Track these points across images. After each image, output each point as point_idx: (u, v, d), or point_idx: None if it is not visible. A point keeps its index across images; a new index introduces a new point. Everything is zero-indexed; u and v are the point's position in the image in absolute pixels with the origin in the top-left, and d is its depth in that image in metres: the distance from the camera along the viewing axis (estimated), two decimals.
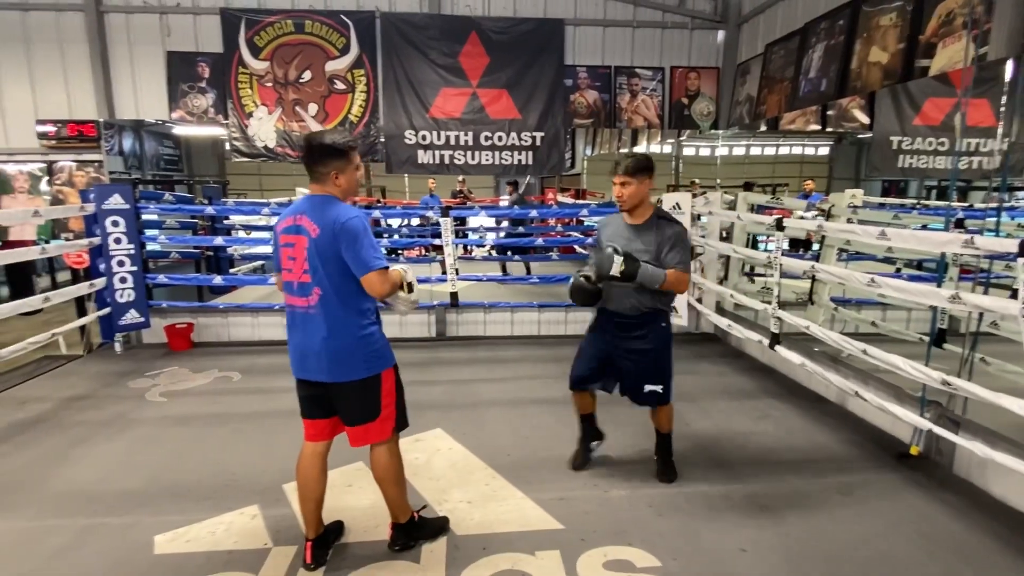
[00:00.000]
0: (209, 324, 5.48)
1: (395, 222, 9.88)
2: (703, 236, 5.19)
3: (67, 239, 5.77)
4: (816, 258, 4.61)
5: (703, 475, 2.92)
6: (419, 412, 3.57)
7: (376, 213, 6.67)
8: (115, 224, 4.90)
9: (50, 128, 5.83)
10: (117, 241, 4.94)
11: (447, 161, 6.43)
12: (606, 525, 2.49)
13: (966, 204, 5.00)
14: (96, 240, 4.90)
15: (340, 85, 6.09)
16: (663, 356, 2.74)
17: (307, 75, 6.03)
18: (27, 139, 5.85)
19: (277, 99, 6.03)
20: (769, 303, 3.80)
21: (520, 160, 6.50)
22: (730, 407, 3.83)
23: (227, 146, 6.19)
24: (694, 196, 5.07)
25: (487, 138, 6.39)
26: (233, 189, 13.45)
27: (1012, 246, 2.11)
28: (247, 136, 6.07)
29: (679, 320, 5.02)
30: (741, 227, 5.21)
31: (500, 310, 5.66)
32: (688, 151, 10.00)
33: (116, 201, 4.89)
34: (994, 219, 2.99)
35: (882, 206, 6.29)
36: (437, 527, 2.43)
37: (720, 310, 5.16)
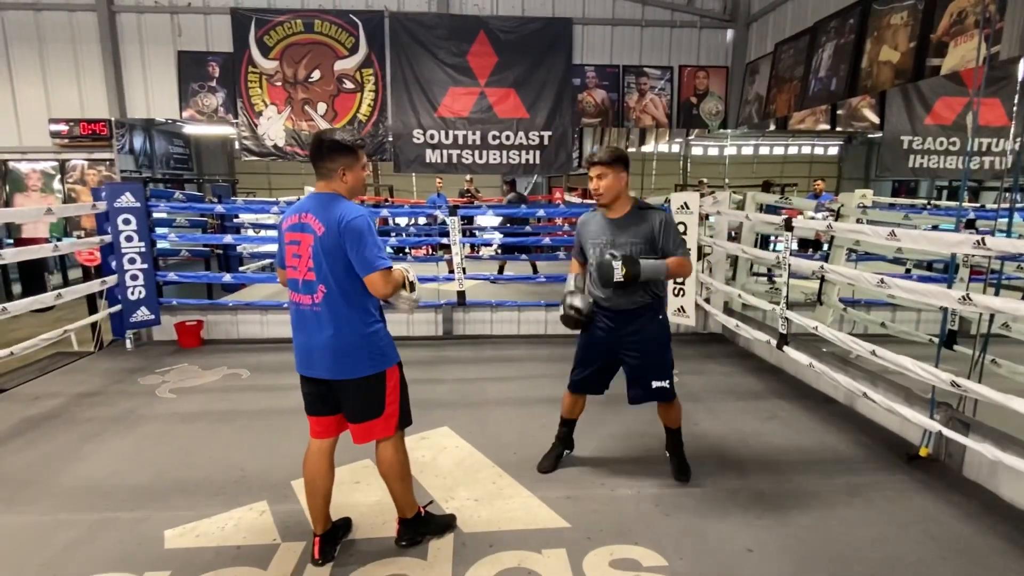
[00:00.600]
0: (218, 321, 5.52)
1: (403, 221, 9.92)
2: (711, 236, 5.18)
3: (79, 237, 5.84)
4: (825, 258, 4.59)
5: (710, 475, 2.92)
6: (426, 410, 3.59)
7: (384, 212, 6.70)
8: (126, 222, 4.96)
9: (63, 127, 5.90)
10: (128, 239, 4.99)
11: (455, 160, 6.44)
12: (613, 524, 2.49)
13: (977, 204, 4.96)
14: (107, 238, 4.95)
15: (349, 84, 6.12)
16: (665, 348, 2.73)
17: (316, 74, 6.06)
18: (40, 138, 5.92)
19: (286, 98, 6.07)
20: (777, 303, 3.79)
21: (528, 159, 6.51)
22: (737, 407, 3.82)
23: (236, 145, 6.23)
24: (702, 196, 5.06)
25: (495, 137, 6.40)
26: (242, 188, 13.54)
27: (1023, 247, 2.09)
28: (256, 135, 6.11)
29: (687, 320, 5.01)
30: (750, 227, 5.19)
31: (507, 309, 5.67)
32: (696, 150, 9.96)
33: (127, 199, 4.94)
34: (1006, 220, 2.97)
35: (892, 206, 6.25)
36: (443, 524, 2.45)
37: (728, 310, 5.14)
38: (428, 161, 6.41)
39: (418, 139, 6.32)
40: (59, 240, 5.74)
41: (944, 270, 4.75)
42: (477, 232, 9.84)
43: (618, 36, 6.47)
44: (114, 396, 4.05)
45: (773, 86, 5.86)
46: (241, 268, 8.03)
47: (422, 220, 9.86)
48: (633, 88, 6.55)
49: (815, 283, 4.62)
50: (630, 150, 9.80)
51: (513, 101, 6.33)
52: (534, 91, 6.34)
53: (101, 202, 4.92)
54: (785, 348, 3.75)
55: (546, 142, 6.46)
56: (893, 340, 4.19)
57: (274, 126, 6.09)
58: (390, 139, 6.32)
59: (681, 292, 4.99)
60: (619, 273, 2.46)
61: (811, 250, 6.84)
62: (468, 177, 10.10)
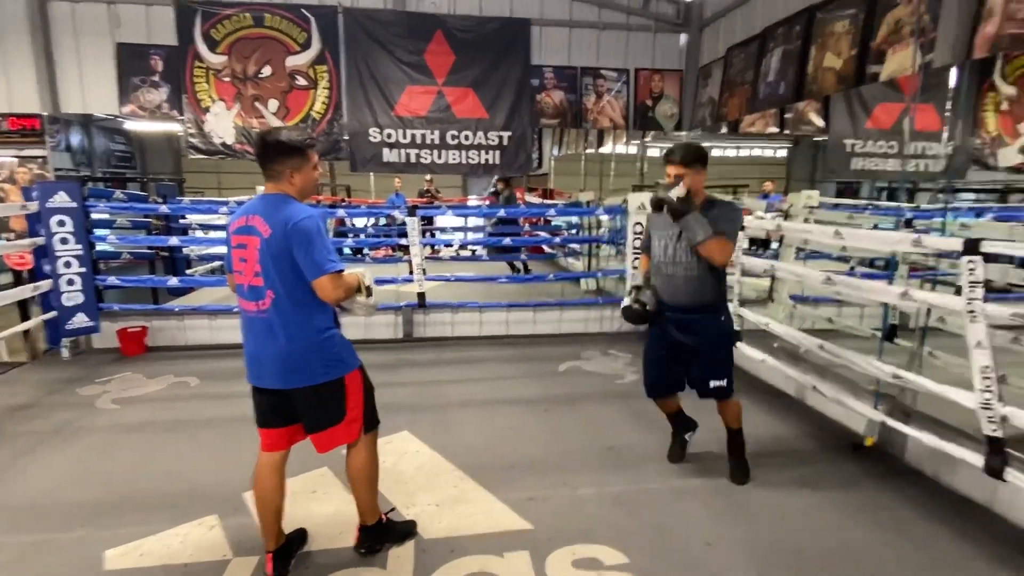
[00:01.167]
0: (164, 327, 5.27)
1: (360, 222, 9.73)
2: None
3: (8, 239, 5.46)
4: (775, 257, 4.74)
5: (670, 471, 2.97)
6: (386, 415, 3.49)
7: (341, 212, 6.55)
8: (61, 224, 4.66)
9: None
10: (63, 241, 4.70)
11: (413, 160, 6.36)
12: (575, 524, 2.49)
13: (914, 205, 5.23)
14: (40, 240, 4.65)
15: (302, 81, 5.95)
16: (724, 349, 2.73)
17: (267, 70, 5.87)
18: None
19: (236, 94, 5.85)
20: (731, 301, 3.89)
21: (487, 159, 6.49)
22: (695, 404, 3.86)
23: (183, 143, 5.96)
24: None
25: (454, 137, 6.36)
26: (190, 187, 13.00)
27: (957, 245, 2.21)
28: (204, 132, 5.87)
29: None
30: None
31: (468, 310, 5.63)
32: (653, 152, 10.16)
33: (62, 199, 4.65)
34: (940, 219, 3.14)
35: (836, 207, 6.52)
36: (405, 531, 2.39)
37: None
38: (385, 160, 6.30)
39: (375, 138, 6.21)
40: None
41: (885, 267, 4.99)
42: (438, 232, 9.77)
43: (576, 38, 6.53)
44: (50, 408, 3.80)
45: (725, 90, 6.04)
46: (188, 271, 7.69)
47: (381, 221, 9.70)
48: (591, 90, 6.62)
49: (766, 281, 4.77)
50: (588, 151, 9.92)
51: (472, 101, 6.30)
52: (493, 91, 6.32)
53: (32, 202, 4.61)
54: (740, 344, 3.86)
55: (505, 142, 6.45)
56: (839, 335, 4.36)
57: (222, 123, 5.86)
58: (346, 138, 6.18)
59: None
60: (677, 191, 2.39)
61: (759, 249, 7.07)
62: (428, 177, 10.01)
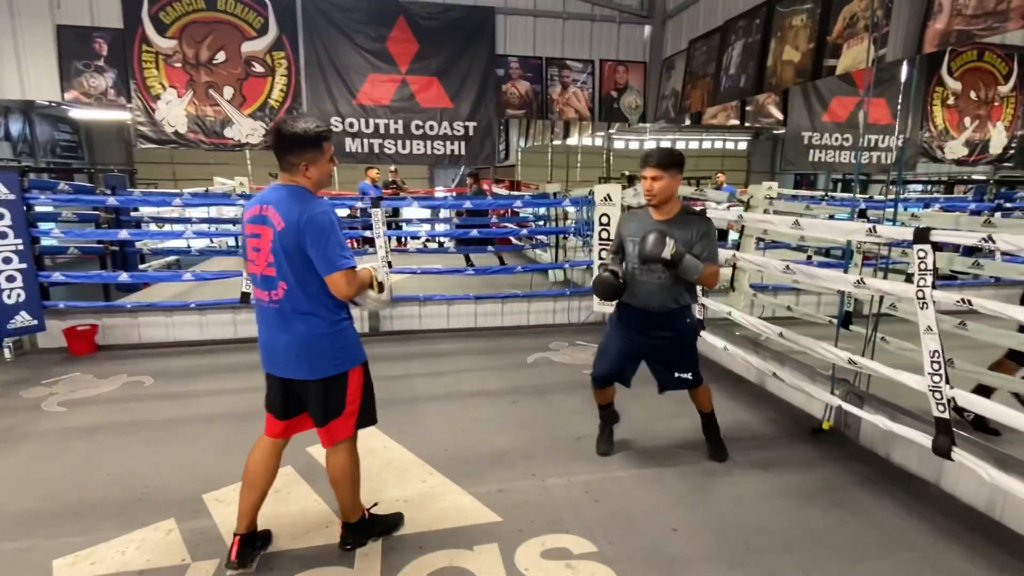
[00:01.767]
0: (116, 325, 5.04)
1: None
2: None
3: None
4: (736, 247, 4.85)
5: (636, 459, 3.01)
6: None
7: None
8: None
9: None
10: (2, 236, 4.43)
11: (376, 150, 6.23)
12: (543, 514, 2.50)
13: (867, 196, 5.42)
14: None
15: (258, 68, 5.74)
16: (691, 347, 2.83)
17: (221, 56, 5.63)
18: None
19: (188, 81, 5.61)
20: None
21: (452, 150, 6.41)
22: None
23: (132, 132, 5.69)
24: (624, 188, 5.19)
25: (418, 127, 6.25)
26: (142, 179, 12.47)
27: (908, 234, 2.29)
28: (154, 121, 5.61)
29: (611, 309, 5.14)
30: None
31: (435, 303, 5.58)
32: (618, 144, 10.25)
33: (0, 191, 4.38)
34: (892, 209, 3.25)
35: (795, 197, 6.71)
36: (390, 523, 2.38)
37: None
38: (348, 151, 6.15)
39: (336, 127, 6.05)
40: None
41: (841, 256, 5.16)
42: (404, 224, 9.64)
43: (540, 28, 6.49)
44: None
45: (688, 82, 6.11)
46: (142, 266, 7.39)
47: (343, 212, 9.49)
48: (556, 80, 6.60)
49: (727, 271, 4.87)
50: (555, 143, 9.92)
51: (436, 90, 6.21)
52: (457, 80, 6.24)
53: None
54: (702, 333, 3.93)
55: (471, 133, 6.38)
56: (798, 322, 4.50)
57: (174, 111, 5.60)
58: None
59: None
60: (669, 249, 2.44)
61: (720, 240, 7.22)
62: (393, 168, 9.83)
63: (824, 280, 2.94)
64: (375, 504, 2.46)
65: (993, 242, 2.10)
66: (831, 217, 5.45)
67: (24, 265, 4.54)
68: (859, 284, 2.62)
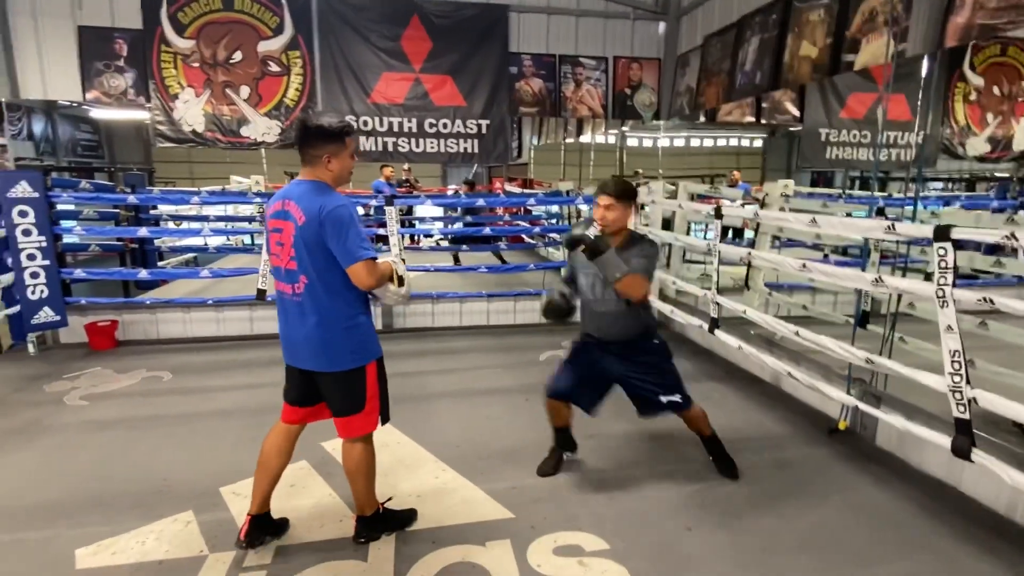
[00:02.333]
0: (136, 321, 5.13)
1: None
2: (646, 224, 5.30)
3: None
4: (752, 245, 4.80)
5: (650, 458, 3.00)
6: None
7: None
8: (22, 214, 4.49)
9: None
10: (26, 233, 4.53)
11: (390, 148, 6.26)
12: (556, 512, 2.51)
13: (886, 193, 5.34)
14: (1, 232, 4.48)
15: (274, 67, 5.80)
16: (666, 367, 2.71)
17: (238, 55, 5.69)
18: None
19: (205, 80, 5.67)
20: (708, 289, 3.93)
21: (466, 148, 6.42)
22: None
23: (151, 131, 5.77)
24: (637, 186, 5.16)
25: (431, 125, 6.27)
26: (161, 177, 12.66)
27: (928, 232, 2.25)
28: (172, 120, 5.69)
29: None
30: (682, 216, 5.35)
31: (448, 301, 5.60)
32: (632, 141, 10.18)
33: (23, 189, 4.48)
34: (911, 207, 3.20)
35: (811, 195, 6.63)
36: (405, 518, 2.41)
37: (663, 296, 5.29)
38: (362, 149, 6.18)
39: None
40: None
41: (858, 255, 5.09)
42: (417, 222, 9.68)
43: (554, 25, 6.47)
44: (15, 406, 3.68)
45: (702, 79, 6.05)
46: (161, 263, 7.51)
47: (360, 211, 9.54)
48: (569, 78, 6.58)
49: (743, 269, 4.83)
50: (568, 140, 9.90)
51: (450, 88, 6.22)
52: (471, 78, 6.24)
53: None
54: (716, 332, 3.90)
55: (484, 131, 6.39)
56: (814, 321, 4.45)
57: (192, 110, 5.68)
58: None
59: None
60: (594, 231, 2.39)
61: (735, 237, 7.16)
62: (406, 166, 9.87)
63: (841, 278, 2.90)
64: (390, 499, 2.49)
65: (1016, 240, 2.06)
66: (848, 215, 5.38)
67: (47, 262, 4.64)
68: (877, 283, 2.59)
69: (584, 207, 6.38)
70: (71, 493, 2.66)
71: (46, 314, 4.70)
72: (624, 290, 2.43)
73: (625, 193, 2.53)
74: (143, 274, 5.47)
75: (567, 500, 2.60)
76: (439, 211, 10.82)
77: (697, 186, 6.39)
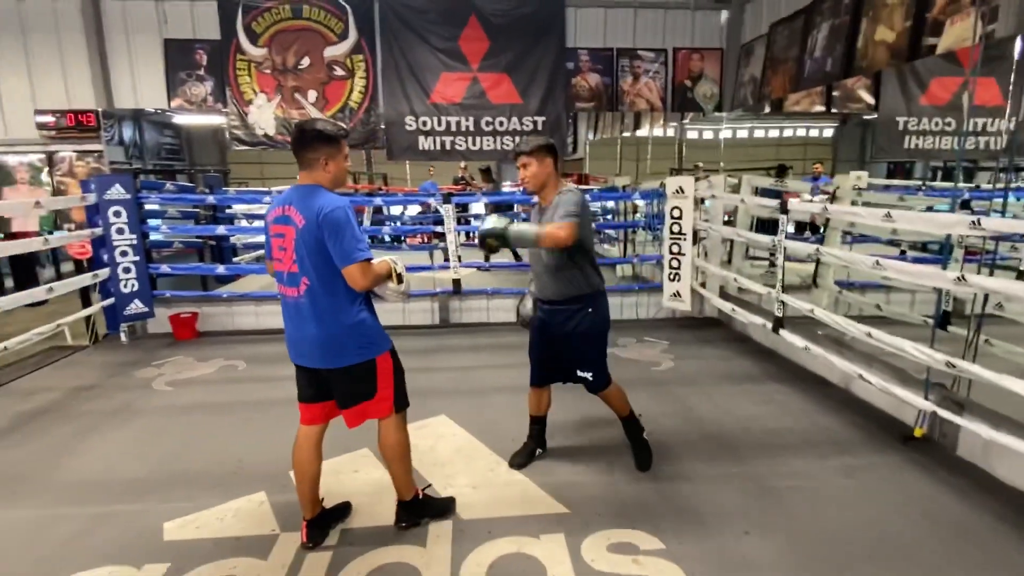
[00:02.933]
0: (213, 313, 5.50)
1: (397, 210, 9.84)
2: (707, 220, 5.16)
3: (69, 230, 5.78)
4: (821, 241, 4.58)
5: (707, 458, 2.93)
6: (423, 399, 3.59)
7: (377, 200, 6.65)
8: (116, 214, 4.90)
9: (49, 118, 5.82)
10: (119, 231, 4.94)
11: (448, 147, 6.39)
12: (611, 508, 2.50)
13: (972, 185, 4.95)
14: (98, 230, 4.91)
15: (339, 71, 6.04)
16: (589, 342, 2.68)
17: (306, 61, 5.98)
18: (26, 129, 5.84)
19: (276, 86, 5.99)
20: (773, 287, 3.79)
21: None
22: (734, 391, 3.84)
23: (227, 134, 6.15)
24: (697, 180, 5.03)
25: (488, 123, 6.35)
26: (234, 178, 13.42)
27: (1020, 227, 2.09)
28: (247, 124, 6.04)
29: (682, 305, 5.01)
30: (745, 210, 5.18)
31: (503, 297, 5.66)
32: (691, 134, 9.91)
33: (117, 191, 4.89)
34: (1001, 200, 2.96)
35: (887, 188, 6.23)
36: (442, 507, 2.48)
37: (724, 294, 5.15)
38: (421, 148, 6.35)
39: (411, 126, 6.26)
40: (50, 233, 5.69)
41: (939, 251, 4.76)
42: (473, 219, 9.81)
43: (611, 19, 6.40)
44: (110, 390, 4.04)
45: (768, 68, 5.82)
46: (235, 259, 7.98)
47: (416, 209, 9.79)
48: (627, 71, 6.49)
49: (811, 266, 4.62)
50: (625, 134, 9.75)
51: (506, 86, 6.27)
52: (527, 76, 6.27)
53: (91, 194, 4.86)
54: (780, 331, 3.76)
55: (540, 127, 6.41)
56: (888, 322, 4.20)
57: (264, 114, 6.01)
58: (382, 127, 6.25)
59: (677, 277, 4.99)
60: (488, 224, 2.40)
61: (809, 233, 6.83)
62: (462, 164, 10.03)
63: (919, 277, 2.74)
64: (428, 485, 2.59)
65: None
66: (929, 209, 5.03)
67: (137, 258, 5.05)
68: (960, 281, 2.42)
69: (640, 202, 6.28)
70: (159, 471, 2.90)
71: (136, 306, 5.11)
72: (550, 244, 2.41)
73: (538, 148, 2.51)
74: (221, 269, 5.84)
75: (622, 497, 2.59)
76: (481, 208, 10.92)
77: (762, 179, 6.16)
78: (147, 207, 5.57)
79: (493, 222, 2.41)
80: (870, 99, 5.73)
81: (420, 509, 2.41)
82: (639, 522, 2.40)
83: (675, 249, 4.91)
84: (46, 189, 5.98)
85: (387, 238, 9.23)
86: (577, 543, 2.27)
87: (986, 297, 2.89)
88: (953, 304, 4.01)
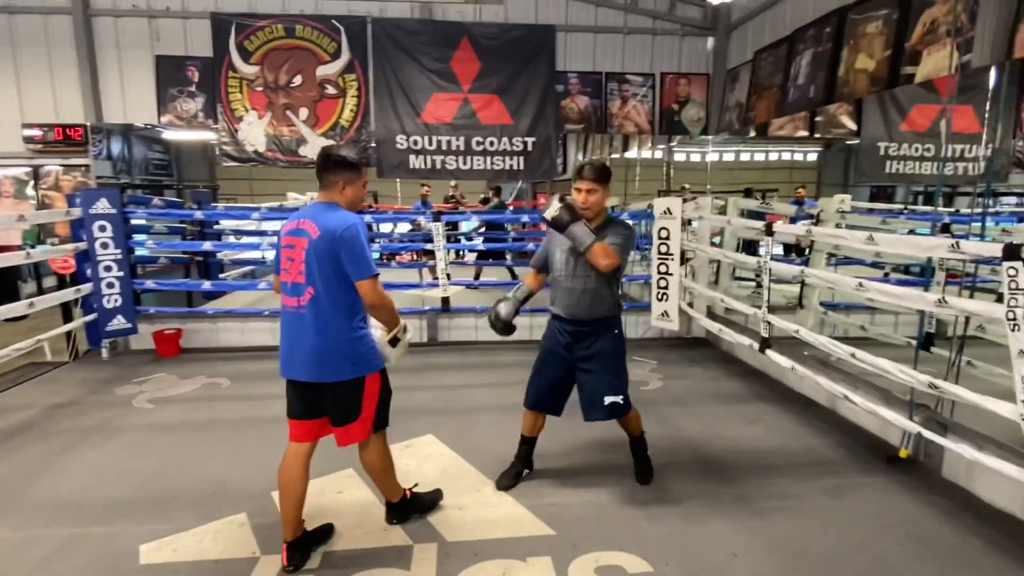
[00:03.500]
0: (198, 330, 5.42)
1: (387, 227, 9.83)
2: (693, 240, 5.22)
3: (53, 244, 5.70)
4: (806, 263, 4.64)
5: (695, 480, 2.92)
6: (410, 418, 3.56)
7: (368, 218, 6.65)
8: (102, 229, 4.85)
9: (36, 132, 5.78)
10: (104, 246, 4.89)
11: (439, 166, 6.43)
12: (598, 530, 2.48)
13: (952, 209, 5.06)
14: (82, 245, 4.84)
15: (331, 90, 6.08)
16: (619, 363, 2.71)
17: (298, 79, 6.01)
18: (13, 143, 5.79)
19: (267, 103, 6.01)
20: (759, 307, 3.82)
21: (512, 165, 6.51)
22: (721, 411, 3.85)
23: (217, 151, 6.15)
24: (684, 201, 5.10)
25: (479, 143, 6.40)
26: (223, 194, 13.35)
27: (997, 250, 2.13)
28: (237, 140, 6.04)
29: (671, 324, 5.03)
30: (731, 232, 5.24)
31: None
32: (679, 156, 10.05)
33: (103, 206, 4.84)
34: (979, 224, 3.03)
35: (870, 211, 6.35)
36: (430, 501, 2.59)
37: (711, 314, 5.18)
38: (412, 167, 6.38)
39: (401, 145, 6.30)
40: (32, 247, 5.60)
41: (921, 273, 4.84)
42: (462, 238, 9.83)
43: (601, 43, 6.53)
44: (89, 407, 3.95)
45: (753, 93, 5.95)
46: (222, 275, 7.90)
47: (406, 227, 9.79)
48: (616, 95, 6.60)
49: (796, 287, 4.67)
50: (613, 156, 9.87)
51: (497, 107, 6.34)
52: (518, 97, 6.36)
53: (76, 208, 4.81)
54: (767, 352, 3.79)
55: (530, 148, 6.47)
56: (872, 343, 4.25)
57: (254, 131, 6.02)
58: (373, 145, 6.28)
59: (665, 297, 5.02)
60: (552, 211, 2.49)
61: (792, 255, 6.92)
62: (452, 183, 10.09)
63: (902, 299, 2.78)
64: (415, 485, 2.62)
65: None
66: (911, 232, 5.12)
67: (121, 273, 4.99)
68: (941, 303, 2.46)
69: (630, 223, 6.33)
70: (136, 491, 2.83)
71: (119, 322, 5.03)
72: (594, 258, 2.49)
73: (604, 176, 2.61)
74: (206, 285, 5.78)
75: (610, 519, 2.57)
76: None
77: (748, 201, 6.24)
78: (133, 222, 5.51)
79: (555, 210, 2.51)
80: (852, 125, 5.85)
81: (409, 506, 2.51)
82: (627, 544, 2.38)
83: (663, 269, 4.94)
84: (31, 203, 5.91)
85: (376, 254, 9.22)
86: (564, 566, 2.24)
87: (967, 319, 2.94)
88: (936, 325, 4.06)
